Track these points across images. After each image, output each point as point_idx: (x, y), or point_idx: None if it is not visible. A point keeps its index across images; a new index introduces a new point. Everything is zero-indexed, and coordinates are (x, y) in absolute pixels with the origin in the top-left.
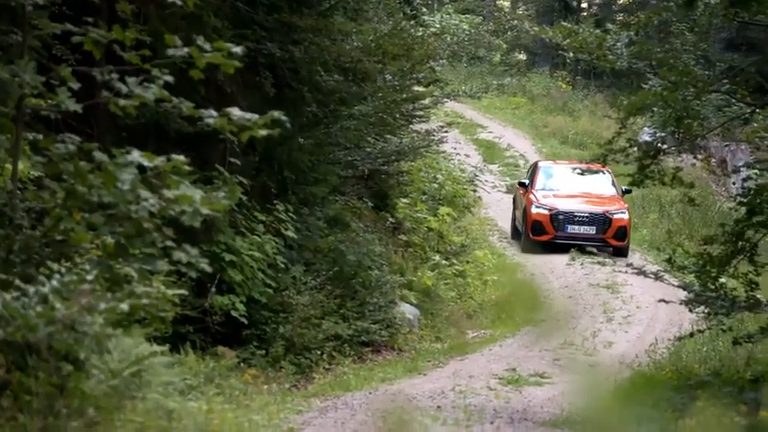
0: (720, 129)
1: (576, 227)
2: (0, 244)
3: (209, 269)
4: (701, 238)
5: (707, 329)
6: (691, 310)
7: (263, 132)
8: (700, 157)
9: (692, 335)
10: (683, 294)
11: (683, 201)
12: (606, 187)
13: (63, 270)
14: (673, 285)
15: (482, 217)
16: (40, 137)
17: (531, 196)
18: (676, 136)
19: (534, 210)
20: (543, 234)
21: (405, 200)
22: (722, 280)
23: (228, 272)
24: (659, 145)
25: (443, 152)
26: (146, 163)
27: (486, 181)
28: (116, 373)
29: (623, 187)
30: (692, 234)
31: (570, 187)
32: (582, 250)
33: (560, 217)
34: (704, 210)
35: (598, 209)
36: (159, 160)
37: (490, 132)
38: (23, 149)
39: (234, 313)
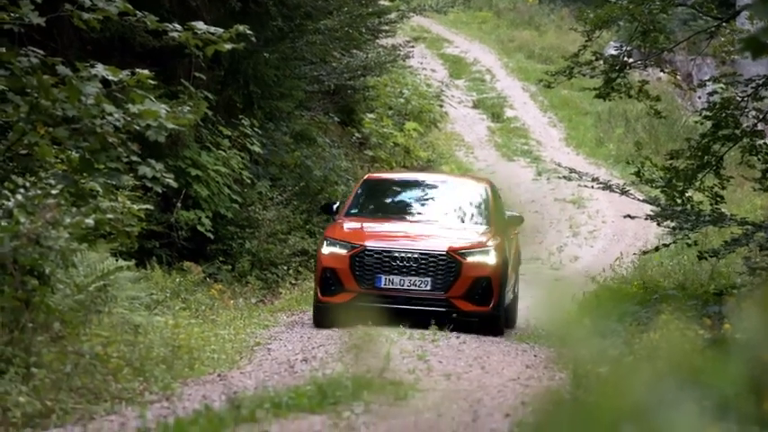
0: (686, 42)
1: (397, 278)
2: None
3: (174, 184)
4: (667, 152)
5: (672, 243)
6: (658, 224)
7: (228, 46)
8: (665, 70)
9: (657, 249)
10: (648, 209)
11: (649, 114)
12: (473, 212)
13: (27, 184)
14: (638, 200)
15: (448, 132)
16: (3, 50)
17: (331, 228)
18: (642, 50)
19: (326, 249)
20: (339, 292)
21: (371, 115)
22: (688, 194)
23: (194, 187)
24: (625, 59)
25: (410, 67)
26: (110, 77)
27: (453, 96)
28: (82, 287)
29: (510, 213)
30: (657, 149)
31: (409, 212)
32: (410, 321)
33: (367, 260)
34: (670, 124)
35: (437, 245)
36: (124, 74)
37: (456, 47)
38: None
39: (200, 228)
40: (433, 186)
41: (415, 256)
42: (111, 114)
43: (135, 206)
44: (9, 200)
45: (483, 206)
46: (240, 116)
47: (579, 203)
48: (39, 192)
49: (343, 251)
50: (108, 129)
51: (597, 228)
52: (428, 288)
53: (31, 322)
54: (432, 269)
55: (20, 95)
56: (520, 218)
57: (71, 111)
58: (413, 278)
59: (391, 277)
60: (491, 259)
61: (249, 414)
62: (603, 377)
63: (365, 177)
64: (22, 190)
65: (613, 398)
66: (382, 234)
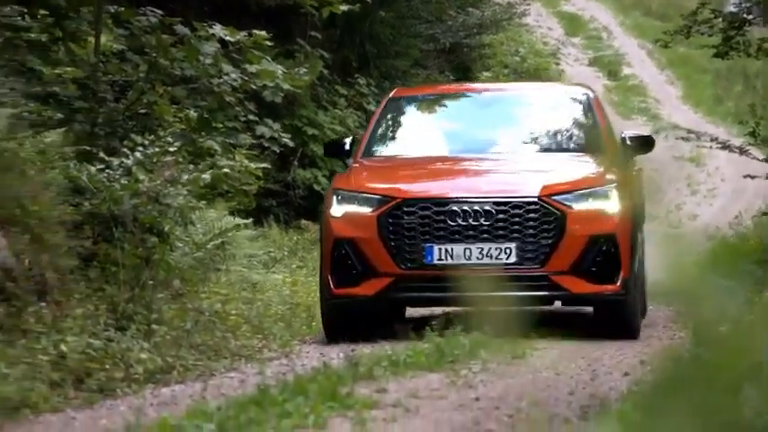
0: None
1: (459, 246)
2: (84, 117)
3: (291, 143)
4: None
5: None
6: None
7: (344, 8)
8: None
9: None
10: None
11: None
12: (572, 134)
13: (146, 143)
14: (758, 160)
15: None
16: (123, 10)
17: (344, 176)
18: (762, 5)
19: (337, 210)
20: (364, 278)
21: (487, 73)
22: None
23: (311, 146)
24: (745, 15)
25: (525, 25)
26: (227, 37)
27: (569, 54)
28: (200, 245)
29: (630, 133)
30: None
31: (465, 141)
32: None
33: (407, 219)
34: None
35: (523, 187)
36: (241, 35)
37: (572, 5)
38: (105, 22)
39: (316, 187)
40: (501, 100)
41: (487, 207)
42: (228, 74)
43: (252, 165)
44: (129, 158)
45: (586, 123)
46: (356, 75)
47: (698, 161)
48: (157, 150)
49: (367, 209)
50: (225, 88)
51: (716, 186)
52: (512, 260)
53: (152, 279)
54: (517, 228)
55: (139, 55)
56: (648, 139)
57: (189, 70)
58: (485, 245)
59: (449, 246)
60: (613, 205)
61: (367, 372)
62: (724, 336)
63: (390, 95)
64: (140, 148)
65: (734, 358)
66: (428, 175)
